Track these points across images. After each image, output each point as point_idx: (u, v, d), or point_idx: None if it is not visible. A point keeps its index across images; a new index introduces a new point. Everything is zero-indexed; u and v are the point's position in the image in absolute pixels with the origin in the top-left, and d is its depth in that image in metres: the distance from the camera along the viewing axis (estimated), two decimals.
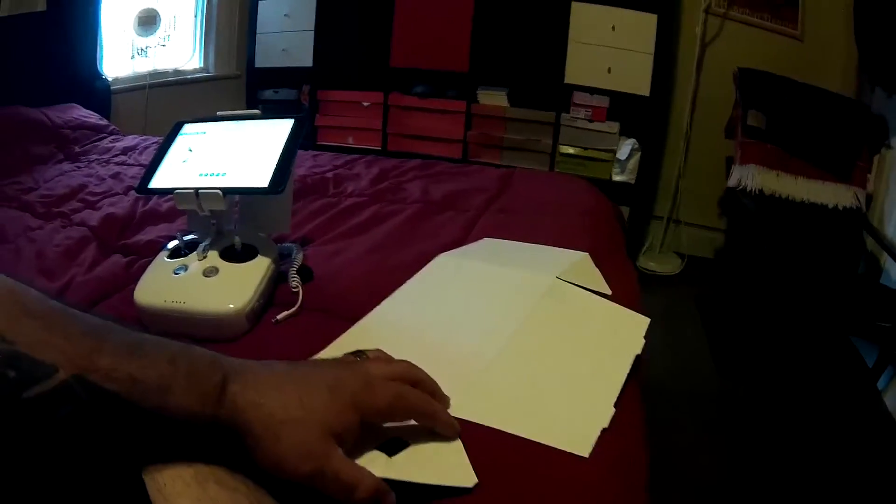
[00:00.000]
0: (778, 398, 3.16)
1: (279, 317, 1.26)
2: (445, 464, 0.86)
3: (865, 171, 3.78)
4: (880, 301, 3.18)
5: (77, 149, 2.91)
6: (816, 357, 3.61)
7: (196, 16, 4.83)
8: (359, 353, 0.93)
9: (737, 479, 2.61)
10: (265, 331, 1.23)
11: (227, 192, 1.26)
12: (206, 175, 1.31)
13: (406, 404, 0.85)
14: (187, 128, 1.46)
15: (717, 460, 2.71)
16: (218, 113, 1.49)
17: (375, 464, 0.81)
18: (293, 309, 1.28)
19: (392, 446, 0.85)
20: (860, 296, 3.17)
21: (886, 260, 3.49)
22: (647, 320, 1.29)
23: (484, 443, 0.91)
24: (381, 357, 0.94)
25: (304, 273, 1.40)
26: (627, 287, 1.62)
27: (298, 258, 1.42)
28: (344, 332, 1.20)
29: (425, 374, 0.93)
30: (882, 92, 3.73)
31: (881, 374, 3.22)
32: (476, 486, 0.83)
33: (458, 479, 0.84)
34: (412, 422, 0.87)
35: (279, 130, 1.37)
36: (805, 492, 2.58)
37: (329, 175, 2.44)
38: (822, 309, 3.17)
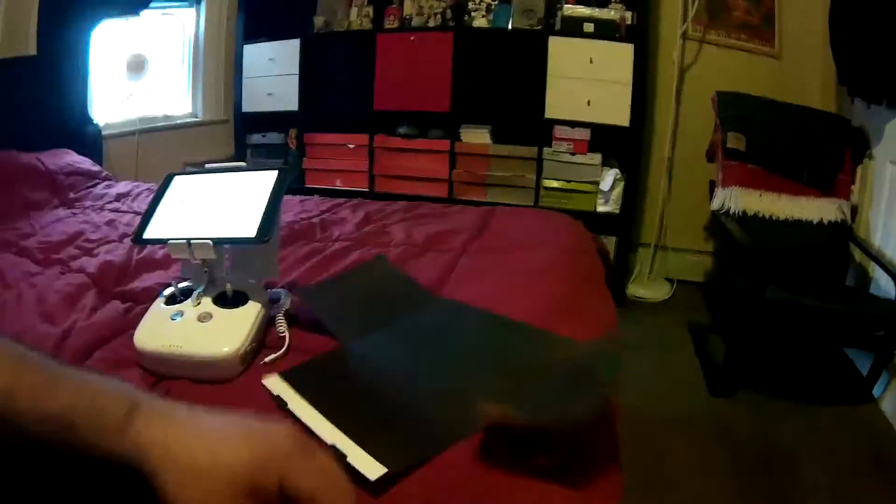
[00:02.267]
0: (774, 419, 3.17)
1: (267, 359, 1.31)
2: None
3: (849, 183, 3.83)
4: (871, 310, 3.24)
5: (72, 195, 2.97)
6: (812, 374, 3.65)
7: (183, 61, 4.89)
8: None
9: (736, 494, 2.62)
10: (256, 372, 1.27)
11: (217, 241, 1.34)
12: (197, 225, 1.39)
13: (333, 485, 0.71)
14: (178, 180, 1.54)
15: (712, 485, 2.70)
16: (206, 165, 1.56)
17: None
18: (280, 352, 1.34)
19: None
20: (851, 307, 3.21)
21: (874, 269, 3.54)
22: None
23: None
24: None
25: (292, 317, 1.46)
26: (604, 321, 1.67)
27: (286, 303, 1.48)
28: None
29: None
30: (861, 103, 3.77)
31: (876, 381, 3.26)
32: None
33: None
34: None
35: (264, 181, 1.44)
36: (805, 501, 2.62)
37: (316, 220, 2.49)
38: (814, 324, 3.22)
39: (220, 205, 1.43)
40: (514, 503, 0.97)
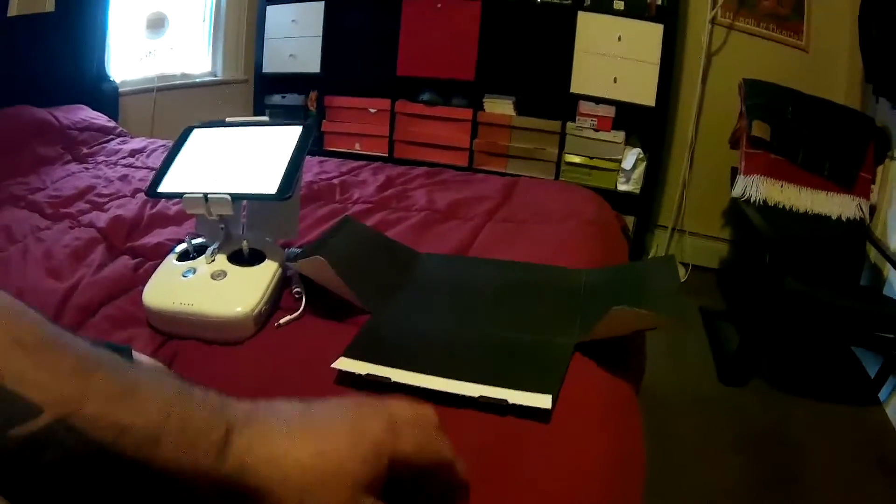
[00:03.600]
0: (781, 410, 3.16)
1: (282, 321, 1.26)
2: None
3: (869, 182, 3.79)
4: (885, 311, 3.19)
5: (85, 150, 2.91)
6: (818, 367, 3.62)
7: (204, 20, 4.84)
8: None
9: (738, 488, 2.61)
10: (269, 334, 1.23)
11: (236, 197, 1.28)
12: (214, 180, 1.32)
13: (434, 450, 0.73)
14: (197, 133, 1.48)
15: (719, 468, 2.71)
16: (227, 119, 1.50)
17: None
18: (296, 314, 1.28)
19: None
20: (863, 306, 3.17)
21: (889, 271, 3.50)
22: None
23: (478, 448, 0.92)
24: (404, 400, 0.76)
25: (307, 278, 1.39)
26: None
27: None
28: (345, 336, 1.19)
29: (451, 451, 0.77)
30: (886, 103, 3.73)
31: (883, 384, 3.22)
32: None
33: None
34: None
35: (287, 137, 1.38)
36: (807, 495, 2.60)
37: (336, 181, 2.45)
38: (827, 320, 3.17)
39: (239, 160, 1.37)
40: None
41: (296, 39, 4.92)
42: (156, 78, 4.21)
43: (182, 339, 1.20)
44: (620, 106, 4.41)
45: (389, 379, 1.03)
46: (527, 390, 1.00)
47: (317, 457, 0.63)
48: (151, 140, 3.13)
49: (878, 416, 3.19)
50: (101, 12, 3.60)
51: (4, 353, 0.56)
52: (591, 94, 4.43)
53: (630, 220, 4.42)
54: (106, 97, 3.70)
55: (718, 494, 2.56)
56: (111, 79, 3.81)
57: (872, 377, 3.36)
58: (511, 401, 0.98)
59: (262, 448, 0.62)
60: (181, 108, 4.34)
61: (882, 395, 3.29)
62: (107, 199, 2.18)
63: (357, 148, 4.86)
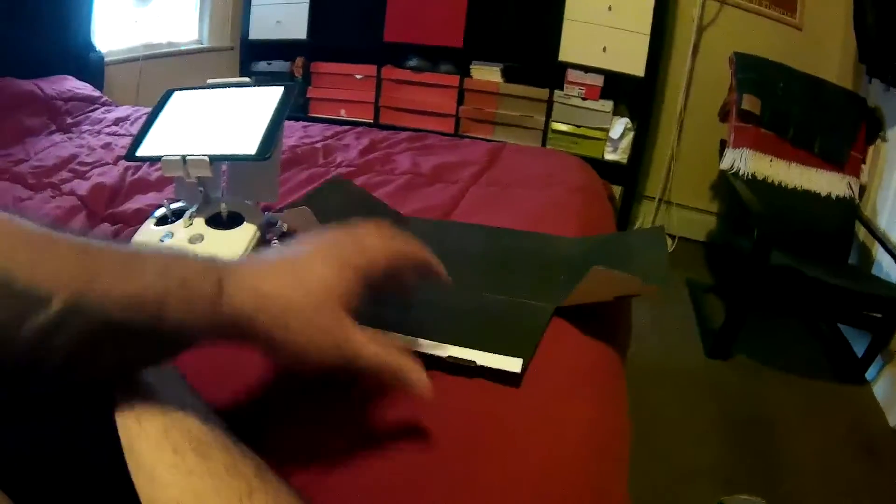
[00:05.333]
0: (766, 385, 3.18)
1: None
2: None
3: (860, 161, 3.80)
4: (872, 290, 3.19)
5: (69, 120, 2.89)
6: (806, 347, 3.62)
7: None
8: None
9: (722, 460, 2.62)
10: None
11: (214, 158, 1.25)
12: (194, 142, 1.30)
13: (404, 254, 0.85)
14: (177, 96, 1.46)
15: (703, 440, 2.73)
16: (208, 81, 1.48)
17: None
18: None
19: None
20: (852, 284, 3.16)
21: (878, 250, 3.51)
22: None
23: (461, 416, 0.92)
24: (369, 224, 0.87)
25: (288, 241, 1.37)
26: None
27: (283, 227, 1.40)
28: None
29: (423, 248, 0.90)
30: (879, 84, 3.74)
31: (870, 364, 3.24)
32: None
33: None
34: None
35: (269, 98, 1.37)
36: (789, 474, 2.60)
37: (319, 145, 2.44)
38: (814, 296, 3.17)
39: (220, 121, 1.35)
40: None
41: (282, 6, 4.88)
42: (142, 47, 4.19)
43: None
44: (609, 75, 4.40)
45: None
46: (499, 353, 1.00)
47: (299, 286, 0.73)
48: (136, 108, 3.12)
49: (865, 395, 3.21)
50: None
51: (9, 251, 0.59)
52: (579, 62, 4.41)
53: (617, 190, 4.41)
54: (91, 67, 3.68)
55: (700, 468, 2.57)
56: (97, 49, 3.78)
57: (860, 356, 3.37)
58: (479, 362, 0.98)
59: (251, 286, 0.70)
60: (167, 76, 4.29)
61: (869, 374, 3.31)
62: (89, 168, 2.17)
63: (342, 114, 4.83)
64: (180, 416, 0.66)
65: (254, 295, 0.70)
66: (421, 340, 1.00)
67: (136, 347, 0.66)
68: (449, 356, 0.99)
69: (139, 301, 0.63)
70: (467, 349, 1.00)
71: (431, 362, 0.95)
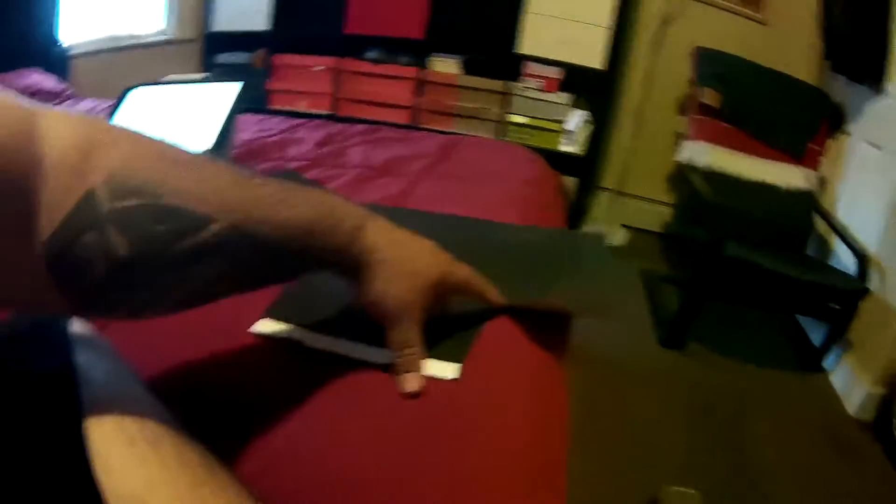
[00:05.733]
0: (723, 375, 3.21)
1: None
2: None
3: (819, 154, 3.85)
4: (828, 281, 3.23)
5: None
6: (763, 337, 3.66)
7: None
8: None
9: (681, 448, 2.64)
10: None
11: None
12: None
13: (477, 282, 1.04)
14: (135, 93, 1.48)
15: (660, 429, 2.74)
16: (166, 77, 1.50)
17: None
18: None
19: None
20: (808, 275, 3.21)
21: (836, 242, 3.56)
22: None
23: (393, 410, 0.93)
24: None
25: None
26: None
27: None
28: (272, 296, 1.18)
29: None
30: (844, 80, 3.80)
31: (827, 353, 3.29)
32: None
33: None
34: None
35: (225, 94, 1.39)
36: (750, 462, 2.64)
37: (274, 139, 2.44)
38: (769, 287, 3.21)
39: (177, 118, 1.37)
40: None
41: None
42: (107, 39, 4.16)
43: None
44: (569, 68, 4.42)
45: (303, 343, 1.03)
46: (437, 358, 1.00)
47: (412, 261, 0.91)
48: (99, 101, 3.10)
49: (823, 385, 3.26)
50: None
51: (164, 173, 0.66)
52: (540, 55, 4.44)
53: (572, 182, 4.45)
54: (56, 60, 3.64)
55: (659, 458, 2.58)
56: (61, 41, 3.75)
57: (818, 346, 3.42)
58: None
59: (381, 240, 0.88)
60: (132, 69, 4.25)
61: (828, 363, 3.36)
62: None
63: (302, 106, 4.80)
64: (134, 408, 0.69)
65: (382, 248, 0.87)
66: (360, 346, 1.00)
67: (281, 266, 0.81)
68: (391, 364, 0.98)
69: (296, 228, 0.76)
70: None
71: (374, 367, 0.98)
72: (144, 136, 0.68)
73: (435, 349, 1.02)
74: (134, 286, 0.66)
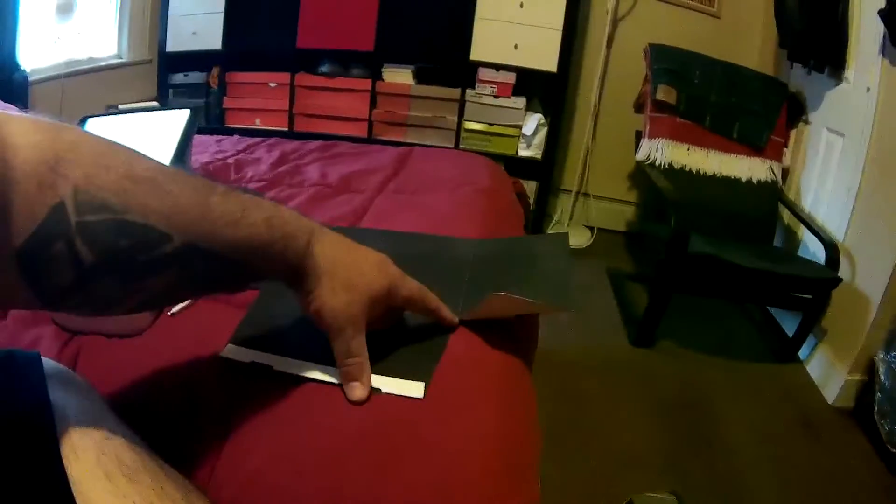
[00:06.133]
0: (696, 370, 3.24)
1: (174, 309, 1.23)
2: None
3: (781, 145, 3.88)
4: (797, 272, 3.26)
5: None
6: (735, 330, 3.68)
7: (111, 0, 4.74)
8: None
9: (656, 450, 2.66)
10: (165, 323, 1.19)
11: None
12: None
13: (426, 297, 1.07)
14: (91, 123, 1.49)
15: (634, 431, 2.76)
16: (119, 106, 1.50)
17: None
18: (188, 301, 1.25)
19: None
20: (776, 267, 3.23)
21: (803, 232, 3.61)
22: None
23: (359, 430, 0.93)
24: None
25: None
26: None
27: None
28: (236, 319, 1.17)
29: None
30: (800, 69, 3.85)
31: (802, 343, 3.33)
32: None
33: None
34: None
35: (176, 121, 1.39)
36: (729, 455, 2.66)
37: (231, 161, 2.43)
38: (737, 281, 3.24)
39: (132, 146, 1.37)
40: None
41: (198, 16, 4.85)
42: (64, 64, 4.14)
43: (85, 335, 1.17)
44: (522, 72, 4.46)
45: (272, 367, 1.03)
46: (401, 377, 1.01)
47: (358, 273, 0.93)
48: None
49: (798, 375, 3.30)
50: (11, 2, 3.52)
51: (125, 190, 0.68)
52: (491, 60, 4.47)
53: (533, 186, 4.46)
54: (17, 87, 3.63)
55: (635, 458, 2.60)
56: (21, 67, 3.73)
57: (791, 336, 3.44)
58: (385, 390, 0.99)
59: (328, 252, 0.91)
60: (89, 92, 4.25)
61: (802, 353, 3.40)
62: None
63: (257, 123, 4.83)
64: (110, 443, 0.72)
65: (329, 260, 0.90)
66: (330, 368, 1.00)
67: (234, 277, 0.85)
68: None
69: (248, 245, 0.80)
70: (372, 375, 1.01)
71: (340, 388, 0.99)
72: (110, 146, 0.72)
73: (399, 368, 1.04)
74: (97, 290, 0.69)
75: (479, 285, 1.25)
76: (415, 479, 0.87)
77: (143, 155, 0.74)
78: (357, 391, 0.95)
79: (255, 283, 0.95)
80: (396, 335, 1.13)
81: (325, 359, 1.00)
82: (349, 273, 0.92)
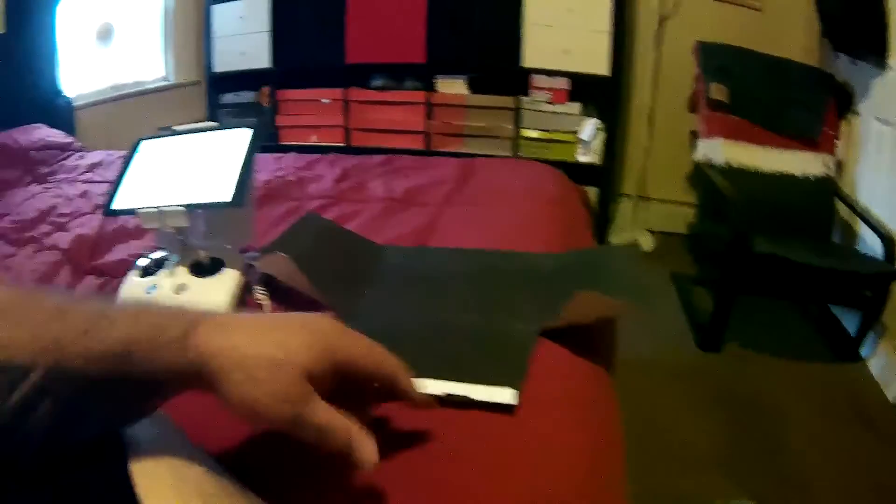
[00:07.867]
0: (762, 373, 3.18)
1: None
2: None
3: (833, 138, 3.81)
4: (858, 268, 3.20)
5: (44, 169, 2.89)
6: (798, 331, 3.63)
7: (154, 24, 4.78)
8: None
9: (721, 453, 2.63)
10: None
11: (190, 207, 1.28)
12: (168, 191, 1.32)
13: (378, 356, 0.80)
14: (146, 145, 1.47)
15: (701, 435, 2.73)
16: (174, 128, 1.50)
17: None
18: None
19: None
20: (838, 264, 3.18)
21: (860, 226, 3.52)
22: None
23: (445, 446, 0.93)
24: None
25: (268, 282, 1.39)
26: None
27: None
28: None
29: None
30: (845, 58, 3.77)
31: (863, 341, 3.24)
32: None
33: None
34: None
35: (237, 140, 1.38)
36: (794, 456, 2.62)
37: (292, 178, 2.44)
38: (800, 280, 3.19)
39: (191, 168, 1.37)
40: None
41: (245, 36, 4.90)
42: (109, 88, 4.18)
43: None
44: (574, 77, 4.41)
45: None
46: (490, 384, 1.00)
47: (274, 343, 0.71)
48: (109, 152, 3.10)
49: (861, 373, 3.22)
50: (50, 28, 3.57)
51: None
52: (543, 67, 4.42)
53: (593, 192, 4.42)
54: (61, 113, 3.66)
55: (702, 461, 2.57)
56: (64, 93, 3.77)
57: (853, 334, 3.37)
58: (475, 397, 0.98)
59: (219, 338, 0.70)
60: (136, 116, 4.30)
61: (864, 351, 3.32)
62: (68, 218, 2.17)
63: (314, 140, 4.84)
64: (187, 470, 0.69)
65: (225, 350, 0.69)
66: (417, 380, 0.98)
67: (114, 400, 0.70)
68: (446, 395, 0.99)
69: (111, 354, 0.66)
70: (460, 384, 1.01)
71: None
72: None
73: (485, 373, 1.03)
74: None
75: (559, 296, 1.23)
76: (507, 496, 0.85)
77: (8, 280, 0.69)
78: (367, 455, 0.75)
79: (150, 400, 0.74)
80: (472, 340, 1.14)
81: (411, 368, 0.99)
82: (259, 354, 0.70)
